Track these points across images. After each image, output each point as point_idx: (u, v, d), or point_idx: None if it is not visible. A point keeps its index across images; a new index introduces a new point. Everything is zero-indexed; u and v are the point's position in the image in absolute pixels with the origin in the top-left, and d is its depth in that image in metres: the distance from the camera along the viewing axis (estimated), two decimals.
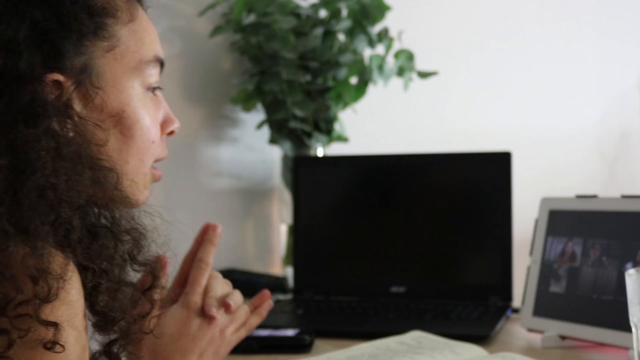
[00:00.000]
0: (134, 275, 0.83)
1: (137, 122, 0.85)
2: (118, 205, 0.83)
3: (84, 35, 0.81)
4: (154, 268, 0.84)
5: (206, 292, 1.01)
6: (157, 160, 0.90)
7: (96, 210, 0.79)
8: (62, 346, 0.71)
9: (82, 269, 0.76)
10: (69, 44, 0.79)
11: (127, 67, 0.84)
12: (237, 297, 1.04)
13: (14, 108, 0.75)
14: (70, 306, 0.72)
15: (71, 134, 0.79)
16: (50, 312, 0.71)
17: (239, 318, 1.03)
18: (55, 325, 0.71)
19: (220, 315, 1.00)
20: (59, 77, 0.79)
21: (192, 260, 1.03)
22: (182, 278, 1.04)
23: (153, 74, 0.87)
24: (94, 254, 0.76)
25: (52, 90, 0.79)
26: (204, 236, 1.04)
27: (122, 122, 0.84)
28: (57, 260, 0.72)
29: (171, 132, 0.92)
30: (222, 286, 1.03)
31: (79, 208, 0.76)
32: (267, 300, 1.08)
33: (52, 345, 0.70)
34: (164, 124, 0.91)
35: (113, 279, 0.78)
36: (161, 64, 0.89)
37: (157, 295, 0.86)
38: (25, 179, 0.72)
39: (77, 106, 0.81)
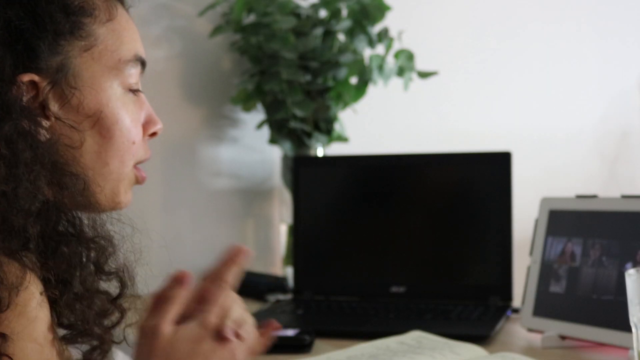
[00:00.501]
0: (107, 285, 0.81)
1: (117, 123, 0.83)
2: (94, 210, 0.81)
3: (59, 34, 0.79)
4: (122, 276, 0.82)
5: (224, 313, 0.98)
6: (139, 162, 0.88)
7: (62, 216, 0.76)
8: (10, 358, 0.68)
9: (45, 280, 0.73)
10: (44, 44, 0.78)
11: (105, 67, 0.83)
12: (250, 323, 1.02)
13: None
14: (26, 318, 0.70)
15: (44, 136, 0.77)
16: (6, 322, 0.68)
17: (249, 342, 1.02)
18: (3, 336, 0.68)
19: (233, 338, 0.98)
20: (34, 78, 0.78)
21: (213, 279, 1.01)
22: (199, 295, 1.02)
23: (133, 74, 0.85)
24: (56, 262, 0.74)
25: (28, 91, 0.78)
26: (230, 256, 1.01)
27: (100, 123, 0.82)
28: (11, 270, 0.70)
29: (154, 134, 0.90)
30: (239, 309, 1.01)
31: (35, 215, 0.73)
32: (273, 329, 1.05)
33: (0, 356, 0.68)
34: (146, 125, 0.89)
35: (77, 289, 0.75)
36: (142, 63, 0.87)
37: (126, 303, 0.83)
38: None
39: (54, 107, 0.79)
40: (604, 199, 1.28)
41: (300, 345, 1.28)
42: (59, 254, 0.75)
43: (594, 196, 1.30)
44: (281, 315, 1.54)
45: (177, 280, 0.83)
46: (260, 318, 1.48)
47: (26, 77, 0.77)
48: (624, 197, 1.24)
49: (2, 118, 0.74)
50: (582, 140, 2.46)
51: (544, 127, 2.40)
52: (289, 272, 1.90)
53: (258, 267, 2.02)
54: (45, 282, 0.73)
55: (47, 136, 0.78)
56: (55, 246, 0.75)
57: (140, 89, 0.88)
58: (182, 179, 1.93)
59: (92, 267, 0.79)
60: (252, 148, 2.06)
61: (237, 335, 0.95)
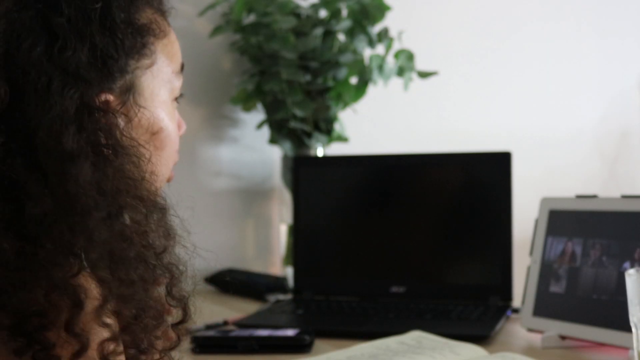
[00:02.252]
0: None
1: (168, 136, 0.86)
2: None
3: (130, 55, 0.81)
4: (186, 303, 0.83)
5: None
6: None
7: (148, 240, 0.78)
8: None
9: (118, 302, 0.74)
10: (119, 65, 0.79)
11: (161, 82, 0.85)
12: None
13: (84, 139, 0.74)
14: (95, 325, 0.71)
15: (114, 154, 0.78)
16: (78, 326, 0.70)
17: None
18: (79, 337, 0.70)
19: None
20: (109, 97, 0.79)
21: None
22: None
23: (179, 85, 0.88)
24: (135, 284, 0.75)
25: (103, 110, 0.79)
26: None
27: (156, 136, 0.84)
28: (89, 283, 0.72)
29: None
30: None
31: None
32: None
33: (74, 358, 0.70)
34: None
35: (148, 312, 0.77)
36: (183, 69, 0.90)
37: (183, 331, 0.84)
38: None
39: (121, 124, 0.80)
40: (604, 199, 1.28)
41: (300, 345, 1.28)
42: (137, 277, 0.76)
43: (594, 196, 1.30)
44: (281, 315, 1.54)
45: None
46: (260, 318, 1.48)
47: (103, 97, 0.79)
48: (624, 197, 1.24)
49: (106, 145, 0.76)
50: (582, 140, 2.46)
51: (544, 127, 2.40)
52: (289, 272, 1.90)
53: (258, 267, 2.02)
54: (119, 302, 0.75)
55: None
56: (127, 268, 0.76)
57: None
58: (182, 179, 1.93)
59: (164, 292, 0.80)
60: (252, 148, 2.06)
61: None
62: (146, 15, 0.84)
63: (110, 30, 0.79)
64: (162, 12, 0.89)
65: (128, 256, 0.75)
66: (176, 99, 0.89)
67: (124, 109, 0.81)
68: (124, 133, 0.79)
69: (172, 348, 0.82)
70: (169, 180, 0.92)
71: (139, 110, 0.82)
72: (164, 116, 0.85)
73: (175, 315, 0.83)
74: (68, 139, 0.72)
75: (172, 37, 0.89)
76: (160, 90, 0.85)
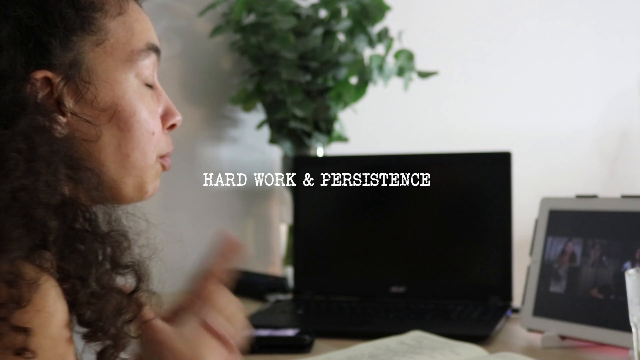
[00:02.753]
0: (124, 280, 0.82)
1: (134, 115, 0.84)
2: (119, 202, 0.82)
3: (70, 30, 0.80)
4: (138, 271, 0.82)
5: (217, 309, 0.99)
6: (163, 155, 0.89)
7: (79, 212, 0.77)
8: (33, 352, 0.69)
9: (62, 278, 0.74)
10: (56, 40, 0.79)
11: (118, 60, 0.83)
12: (240, 320, 1.02)
13: None
14: (44, 313, 0.70)
15: (60, 132, 0.78)
16: (20, 318, 0.69)
17: (237, 337, 1.02)
18: (25, 330, 0.69)
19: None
20: (48, 74, 0.79)
21: (208, 276, 1.01)
22: (197, 289, 1.03)
23: (147, 64, 0.86)
24: (72, 260, 0.74)
25: (42, 88, 0.79)
26: (224, 253, 1.02)
27: (117, 116, 0.83)
28: (29, 267, 0.70)
29: (173, 126, 0.91)
30: (232, 306, 1.01)
31: (55, 208, 0.74)
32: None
33: (21, 351, 0.69)
34: (164, 117, 0.90)
35: (94, 286, 0.76)
36: (156, 52, 0.88)
37: (143, 297, 0.84)
38: None
39: (69, 102, 0.80)
40: (604, 199, 1.28)
41: (300, 345, 1.28)
42: (76, 252, 0.75)
43: (594, 196, 1.30)
44: (281, 315, 1.54)
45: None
46: (260, 318, 1.49)
47: (39, 74, 0.78)
48: (624, 197, 1.24)
49: (17, 114, 0.75)
50: (582, 140, 2.46)
51: (544, 127, 2.40)
52: (289, 272, 1.90)
53: (258, 267, 2.02)
54: (62, 280, 0.74)
55: (64, 132, 0.79)
56: (71, 243, 0.75)
57: (156, 79, 0.89)
58: (182, 179, 1.93)
59: (108, 263, 0.79)
60: (252, 148, 2.06)
61: (228, 331, 0.96)
62: None
63: (38, 5, 0.78)
64: None
65: (56, 229, 0.74)
66: (151, 85, 0.87)
67: (71, 86, 0.80)
68: (71, 110, 0.79)
69: (129, 320, 0.81)
70: (166, 169, 0.90)
71: (88, 87, 0.81)
72: (123, 94, 0.83)
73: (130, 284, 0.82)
74: None
75: (135, 15, 0.87)
76: (118, 69, 0.84)
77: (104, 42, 0.83)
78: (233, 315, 0.99)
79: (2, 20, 0.77)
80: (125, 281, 0.82)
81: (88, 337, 0.77)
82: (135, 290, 0.82)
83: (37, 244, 0.72)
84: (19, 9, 0.78)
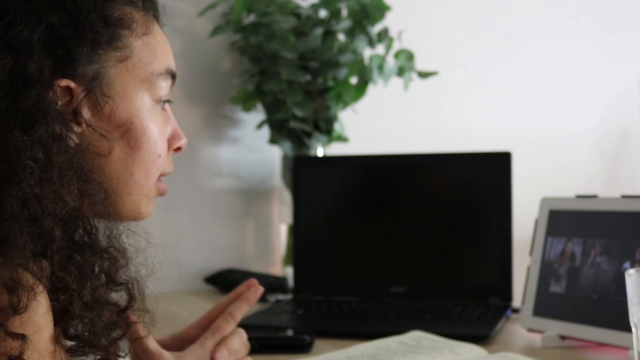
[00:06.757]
0: (119, 296, 0.82)
1: (145, 135, 0.85)
2: (114, 219, 0.82)
3: (98, 43, 0.81)
4: (132, 289, 0.82)
5: (223, 341, 1.00)
6: (162, 175, 0.90)
7: (80, 224, 0.77)
8: None
9: (55, 287, 0.74)
10: (83, 51, 0.79)
11: (138, 79, 0.85)
12: (244, 355, 1.04)
13: (15, 112, 0.74)
14: (32, 326, 0.71)
15: (74, 142, 0.78)
16: (19, 325, 0.69)
17: None
18: (22, 337, 0.69)
19: None
20: (70, 83, 0.79)
21: (222, 310, 1.04)
22: (205, 322, 1.04)
23: (163, 87, 0.88)
24: (67, 271, 0.75)
25: (63, 96, 0.79)
26: (243, 292, 1.04)
27: (129, 133, 0.83)
28: (27, 274, 0.71)
29: (178, 149, 0.92)
30: (239, 344, 1.03)
31: (62, 220, 0.74)
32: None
33: (16, 359, 0.69)
34: (171, 140, 0.91)
35: (87, 299, 0.76)
36: (173, 77, 0.90)
37: (133, 316, 0.84)
38: (9, 187, 0.71)
39: (86, 114, 0.81)
40: (604, 199, 1.28)
41: (300, 345, 1.28)
42: (72, 262, 0.75)
43: (594, 196, 1.30)
44: (281, 315, 1.54)
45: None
46: (261, 318, 1.48)
47: (63, 82, 0.79)
48: (624, 197, 1.24)
49: (38, 121, 0.75)
50: (582, 140, 2.46)
51: (544, 127, 2.40)
52: (289, 272, 1.91)
53: (258, 267, 2.02)
54: (55, 290, 0.74)
55: (77, 142, 0.79)
56: (69, 254, 0.75)
57: (169, 101, 0.90)
58: (182, 179, 1.93)
59: (103, 277, 0.79)
60: (252, 148, 2.06)
61: None
62: (122, 9, 0.84)
63: (71, 14, 0.79)
64: (147, 11, 0.88)
65: (56, 238, 0.74)
66: (163, 104, 0.88)
67: (90, 98, 0.81)
68: (86, 121, 0.80)
69: (119, 337, 0.81)
70: (161, 194, 0.90)
71: (107, 100, 0.81)
72: (138, 113, 0.84)
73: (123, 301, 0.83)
74: None
75: (158, 38, 0.89)
76: (136, 87, 0.85)
77: (127, 60, 0.84)
78: (238, 351, 1.02)
79: (36, 23, 0.77)
80: (120, 298, 0.82)
81: (74, 351, 0.77)
82: (127, 307, 0.82)
83: (38, 252, 0.73)
84: (52, 15, 0.78)
